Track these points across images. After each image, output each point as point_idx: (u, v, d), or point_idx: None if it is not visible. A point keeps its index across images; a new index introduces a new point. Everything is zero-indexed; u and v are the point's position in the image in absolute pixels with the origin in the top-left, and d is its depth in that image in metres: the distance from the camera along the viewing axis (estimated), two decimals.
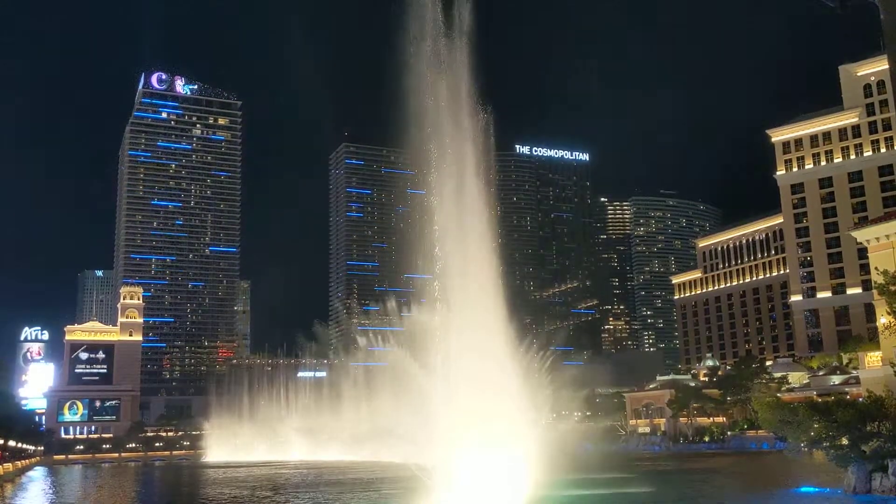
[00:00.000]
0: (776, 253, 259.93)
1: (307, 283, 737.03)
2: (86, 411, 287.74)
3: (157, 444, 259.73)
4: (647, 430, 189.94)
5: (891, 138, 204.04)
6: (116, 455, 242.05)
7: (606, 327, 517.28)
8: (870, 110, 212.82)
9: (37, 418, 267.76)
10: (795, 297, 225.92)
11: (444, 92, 55.03)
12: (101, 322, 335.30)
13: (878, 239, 75.35)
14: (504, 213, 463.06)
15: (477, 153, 55.43)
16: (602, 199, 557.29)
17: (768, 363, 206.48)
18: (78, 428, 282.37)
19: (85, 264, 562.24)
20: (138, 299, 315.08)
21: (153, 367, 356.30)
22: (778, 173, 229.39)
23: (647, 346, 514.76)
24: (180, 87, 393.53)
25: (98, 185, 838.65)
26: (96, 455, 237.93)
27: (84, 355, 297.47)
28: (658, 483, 71.56)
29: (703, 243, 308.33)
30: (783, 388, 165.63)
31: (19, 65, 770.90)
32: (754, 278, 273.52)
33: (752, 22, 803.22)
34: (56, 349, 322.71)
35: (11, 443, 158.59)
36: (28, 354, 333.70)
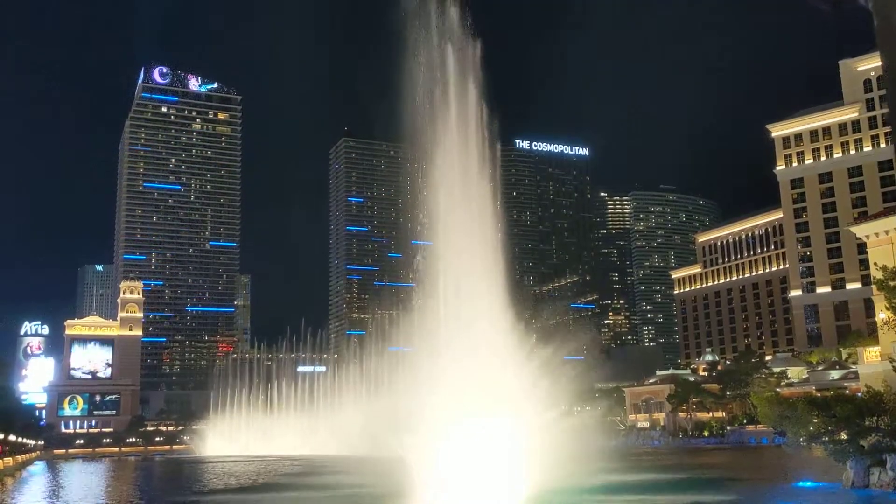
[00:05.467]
0: (776, 248, 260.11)
1: (307, 277, 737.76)
2: (86, 406, 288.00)
3: (157, 439, 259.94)
4: (647, 424, 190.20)
5: (890, 134, 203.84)
6: (116, 449, 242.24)
7: (606, 322, 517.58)
8: (870, 105, 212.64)
9: (37, 413, 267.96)
10: (795, 292, 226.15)
11: (446, 84, 55.00)
12: (101, 316, 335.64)
13: (877, 234, 75.26)
14: (504, 208, 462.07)
15: (479, 145, 55.51)
16: (602, 194, 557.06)
17: (767, 358, 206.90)
18: (78, 422, 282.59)
19: (85, 259, 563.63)
20: (138, 294, 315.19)
21: (153, 361, 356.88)
22: (778, 168, 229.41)
23: (646, 340, 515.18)
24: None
25: (98, 180, 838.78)
26: (96, 449, 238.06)
27: (84, 350, 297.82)
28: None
29: (702, 238, 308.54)
30: (782, 383, 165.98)
31: (18, 61, 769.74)
32: (754, 273, 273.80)
33: (753, 17, 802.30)
34: (56, 344, 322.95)
35: (11, 437, 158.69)
36: (28, 349, 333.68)
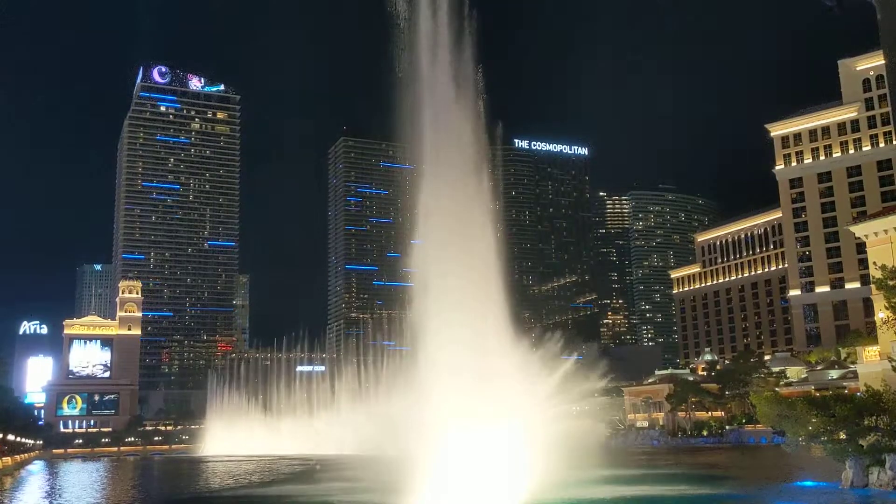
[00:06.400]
0: (775, 247, 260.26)
1: (305, 277, 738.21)
2: (84, 405, 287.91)
3: (155, 438, 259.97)
4: (646, 424, 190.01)
5: (890, 133, 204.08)
6: (115, 449, 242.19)
7: (605, 322, 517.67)
8: (869, 105, 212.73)
9: (35, 412, 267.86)
10: (794, 292, 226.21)
11: (443, 79, 54.74)
12: (100, 316, 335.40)
13: (876, 234, 75.27)
14: (503, 208, 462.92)
15: (477, 140, 55.32)
16: (601, 194, 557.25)
17: (766, 358, 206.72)
18: (77, 422, 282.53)
19: (84, 258, 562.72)
20: (137, 293, 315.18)
21: (152, 361, 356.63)
22: (777, 168, 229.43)
23: (645, 340, 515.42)
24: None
25: (97, 179, 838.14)
26: (95, 449, 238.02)
27: (83, 349, 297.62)
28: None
29: (701, 238, 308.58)
30: (781, 383, 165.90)
31: (18, 60, 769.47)
32: (753, 273, 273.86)
33: (753, 16, 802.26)
34: (55, 343, 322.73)
35: (10, 437, 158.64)
36: (27, 348, 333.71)
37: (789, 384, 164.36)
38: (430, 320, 50.52)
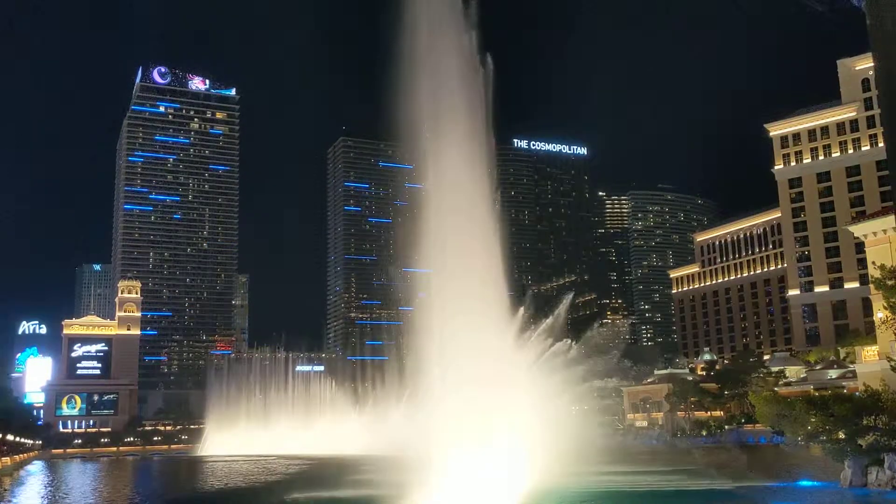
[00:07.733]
0: (774, 247, 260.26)
1: (305, 277, 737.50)
2: (84, 405, 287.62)
3: (155, 438, 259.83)
4: (645, 424, 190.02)
5: None
6: (114, 449, 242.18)
7: (604, 321, 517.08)
8: (868, 105, 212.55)
9: (35, 412, 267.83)
10: (793, 292, 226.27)
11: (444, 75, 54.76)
12: (99, 316, 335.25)
13: (875, 233, 75.30)
14: (502, 208, 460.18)
15: (476, 138, 55.36)
16: (600, 193, 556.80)
17: (766, 357, 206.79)
18: (76, 422, 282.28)
19: (83, 258, 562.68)
20: (136, 293, 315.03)
21: (151, 361, 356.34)
22: (776, 167, 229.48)
23: (644, 340, 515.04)
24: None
25: (96, 179, 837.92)
26: (94, 449, 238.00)
27: (82, 349, 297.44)
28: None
29: (700, 237, 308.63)
30: (780, 383, 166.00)
31: (17, 60, 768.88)
32: (752, 272, 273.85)
33: (753, 15, 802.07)
34: (54, 343, 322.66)
35: (9, 437, 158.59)
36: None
37: (788, 384, 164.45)
38: (432, 323, 50.56)
